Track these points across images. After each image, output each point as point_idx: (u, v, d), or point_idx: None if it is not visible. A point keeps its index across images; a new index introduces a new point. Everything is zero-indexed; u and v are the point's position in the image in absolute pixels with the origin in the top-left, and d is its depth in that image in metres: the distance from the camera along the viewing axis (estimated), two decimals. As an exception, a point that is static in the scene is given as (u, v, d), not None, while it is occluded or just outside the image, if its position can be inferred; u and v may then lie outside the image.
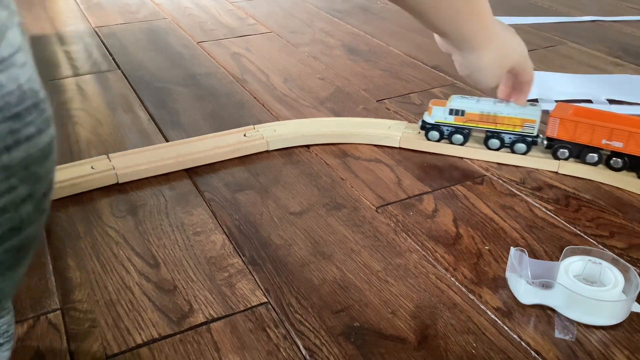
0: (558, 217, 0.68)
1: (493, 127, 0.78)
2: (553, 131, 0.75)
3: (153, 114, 0.93)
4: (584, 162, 0.75)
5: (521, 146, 0.77)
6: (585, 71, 1.10)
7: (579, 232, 0.66)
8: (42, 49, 1.22)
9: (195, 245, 0.64)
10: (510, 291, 0.57)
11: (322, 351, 0.51)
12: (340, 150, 0.83)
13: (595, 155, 0.74)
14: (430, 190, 0.73)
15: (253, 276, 0.59)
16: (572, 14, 1.44)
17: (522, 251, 0.57)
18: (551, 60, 1.14)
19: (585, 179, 0.75)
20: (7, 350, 0.44)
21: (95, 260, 0.61)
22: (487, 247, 0.63)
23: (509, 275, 0.58)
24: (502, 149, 0.79)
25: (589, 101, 0.96)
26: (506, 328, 0.53)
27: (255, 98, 0.97)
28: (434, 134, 0.80)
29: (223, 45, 1.24)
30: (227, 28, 1.34)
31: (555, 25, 1.35)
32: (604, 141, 0.72)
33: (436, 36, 0.66)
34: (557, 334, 0.52)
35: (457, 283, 0.58)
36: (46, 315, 0.55)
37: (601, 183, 0.74)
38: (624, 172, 0.73)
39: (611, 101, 0.97)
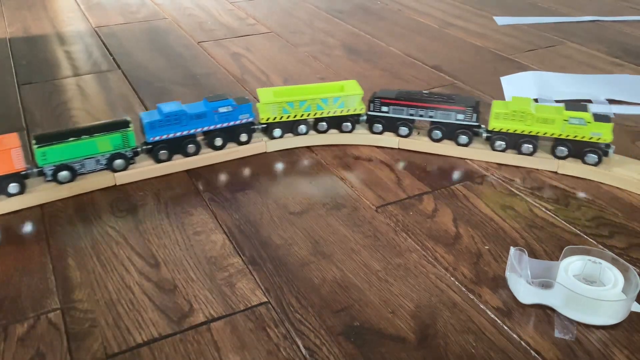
0: (558, 216, 0.68)
1: None
2: None
3: (153, 114, 0.93)
4: None
5: None
6: (585, 71, 1.10)
7: (578, 232, 0.66)
8: (42, 49, 1.22)
9: (195, 244, 0.64)
10: (510, 291, 0.57)
11: (322, 350, 0.51)
12: (340, 150, 0.83)
13: None
14: (430, 190, 0.74)
15: (253, 276, 0.59)
16: (572, 14, 1.44)
17: (522, 251, 0.57)
18: (551, 60, 1.14)
19: (585, 179, 0.75)
20: None
21: (96, 260, 0.62)
22: (487, 247, 0.63)
23: (508, 275, 0.58)
24: None
25: (589, 101, 0.96)
26: (506, 328, 0.53)
27: (255, 98, 0.97)
28: None
29: (223, 45, 1.24)
30: (227, 28, 1.34)
31: (555, 25, 1.35)
32: None
33: None
34: (557, 334, 0.52)
35: (457, 283, 0.58)
36: (46, 315, 0.55)
37: (601, 183, 0.75)
38: (624, 172, 0.73)
39: (611, 101, 0.97)
